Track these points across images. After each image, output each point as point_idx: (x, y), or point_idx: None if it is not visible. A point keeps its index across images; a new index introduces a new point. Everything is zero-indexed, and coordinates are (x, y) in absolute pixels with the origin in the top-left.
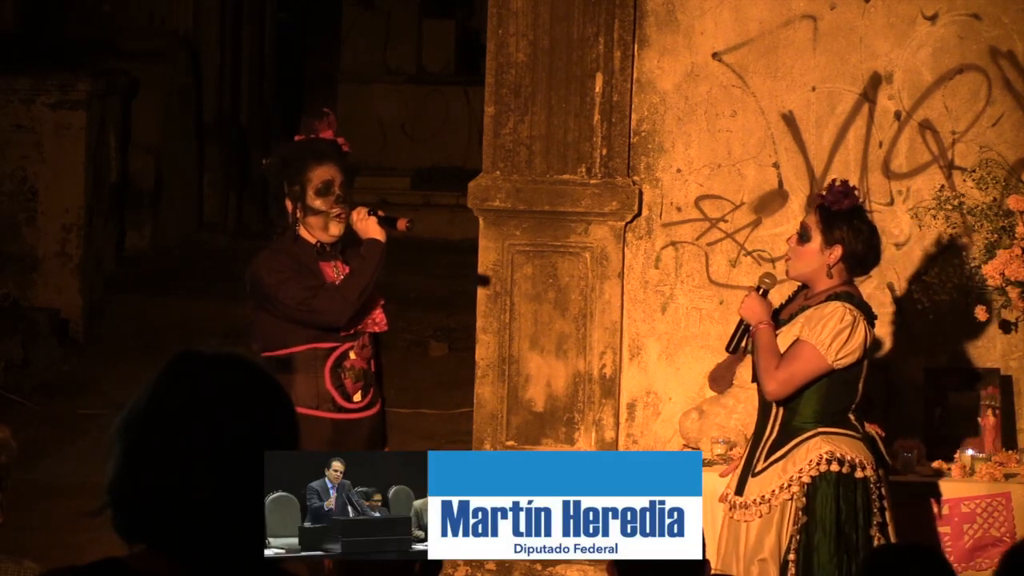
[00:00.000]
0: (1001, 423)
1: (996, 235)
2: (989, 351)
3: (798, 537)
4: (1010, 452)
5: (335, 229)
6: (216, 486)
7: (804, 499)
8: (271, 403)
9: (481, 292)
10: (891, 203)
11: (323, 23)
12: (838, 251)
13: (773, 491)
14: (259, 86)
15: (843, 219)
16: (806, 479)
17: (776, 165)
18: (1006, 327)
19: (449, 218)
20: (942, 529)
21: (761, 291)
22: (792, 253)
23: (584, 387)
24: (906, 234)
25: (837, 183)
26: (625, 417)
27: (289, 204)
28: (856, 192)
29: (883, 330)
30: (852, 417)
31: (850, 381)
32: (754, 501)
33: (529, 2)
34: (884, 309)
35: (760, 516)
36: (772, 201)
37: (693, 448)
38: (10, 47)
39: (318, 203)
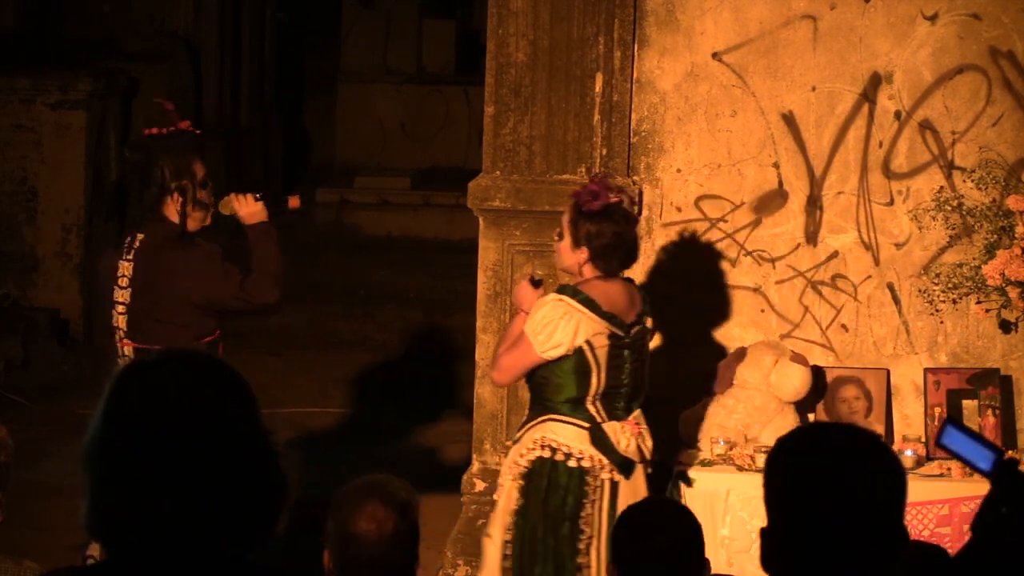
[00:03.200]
0: (1001, 423)
1: (996, 235)
2: (989, 351)
3: (513, 520)
4: (1010, 452)
5: (209, 219)
6: (190, 490)
7: (522, 482)
8: (226, 391)
9: (481, 292)
10: (891, 203)
11: (323, 23)
12: (585, 252)
13: (503, 472)
14: (259, 86)
15: (591, 220)
16: (524, 464)
17: (776, 165)
18: (1006, 327)
19: (449, 218)
20: (942, 529)
21: (534, 280)
22: (555, 248)
23: None
24: (906, 234)
25: (595, 180)
26: None
27: (177, 198)
28: (612, 190)
29: (883, 330)
30: (593, 407)
31: (581, 371)
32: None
33: (529, 2)
34: (884, 309)
35: (498, 492)
36: (772, 201)
37: (693, 448)
38: (10, 47)
39: (202, 195)
